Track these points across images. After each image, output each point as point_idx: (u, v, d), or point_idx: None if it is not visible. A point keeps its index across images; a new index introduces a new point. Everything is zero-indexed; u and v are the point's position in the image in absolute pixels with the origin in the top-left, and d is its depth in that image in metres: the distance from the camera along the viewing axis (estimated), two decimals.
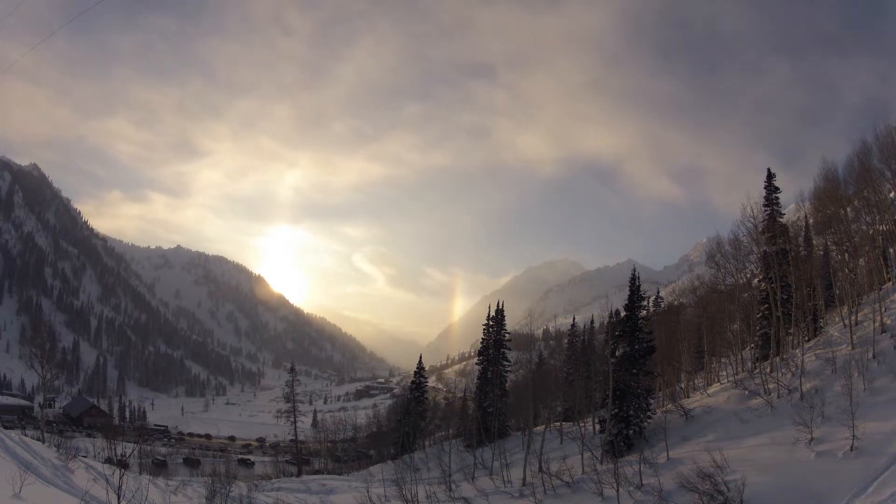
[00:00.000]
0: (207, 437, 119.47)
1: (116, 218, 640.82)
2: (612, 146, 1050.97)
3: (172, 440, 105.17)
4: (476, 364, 58.87)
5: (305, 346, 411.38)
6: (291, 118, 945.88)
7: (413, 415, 60.41)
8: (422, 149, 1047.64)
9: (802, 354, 32.68)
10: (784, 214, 41.24)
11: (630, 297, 36.59)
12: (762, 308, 39.18)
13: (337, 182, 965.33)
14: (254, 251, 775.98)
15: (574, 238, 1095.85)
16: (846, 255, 38.59)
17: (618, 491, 24.03)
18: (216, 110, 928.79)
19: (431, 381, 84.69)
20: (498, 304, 58.39)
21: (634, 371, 34.71)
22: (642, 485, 24.56)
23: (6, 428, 42.71)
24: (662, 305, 63.87)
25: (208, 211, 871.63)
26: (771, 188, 39.77)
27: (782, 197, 40.40)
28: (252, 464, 74.26)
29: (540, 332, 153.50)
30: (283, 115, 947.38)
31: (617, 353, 35.16)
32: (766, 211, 39.60)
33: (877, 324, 31.57)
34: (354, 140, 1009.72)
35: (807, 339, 36.97)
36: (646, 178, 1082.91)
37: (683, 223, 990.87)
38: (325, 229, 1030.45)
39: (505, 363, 54.80)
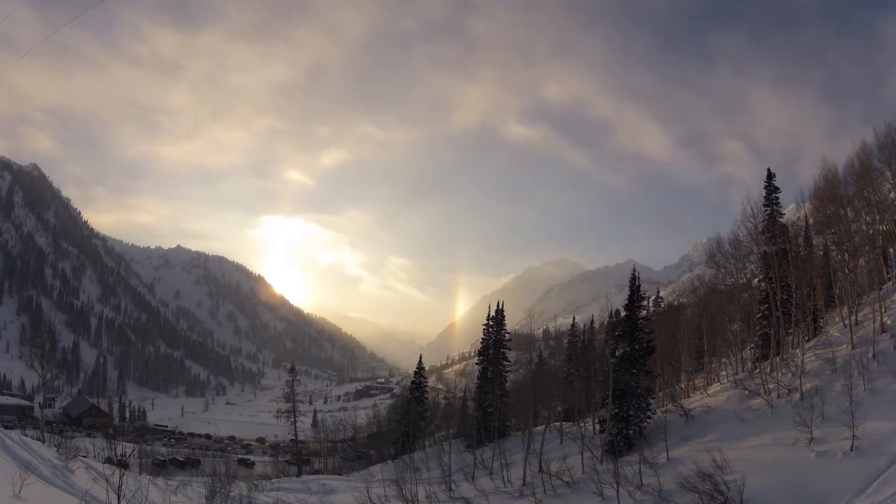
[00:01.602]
0: (207, 437, 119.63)
1: (98, 212, 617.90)
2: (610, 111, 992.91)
3: (172, 440, 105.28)
4: (476, 364, 58.79)
5: (305, 346, 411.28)
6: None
7: (413, 415, 60.33)
8: (411, 128, 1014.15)
9: (802, 354, 32.66)
10: (784, 214, 41.28)
11: (630, 297, 36.61)
12: (762, 308, 39.17)
13: (324, 169, 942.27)
14: (247, 245, 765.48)
15: (574, 237, 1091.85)
16: (846, 255, 38.51)
17: (618, 491, 24.05)
18: (173, 70, 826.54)
19: (431, 381, 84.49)
20: (498, 304, 58.35)
21: (634, 371, 34.75)
22: (642, 485, 24.59)
23: (6, 428, 42.67)
24: (662, 305, 63.93)
25: (191, 202, 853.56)
26: (771, 188, 39.75)
27: (782, 197, 40.48)
28: (252, 464, 74.33)
29: (540, 332, 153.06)
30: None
31: (617, 353, 35.18)
32: (765, 211, 39.58)
33: (877, 324, 31.58)
34: (338, 124, 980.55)
35: (807, 339, 36.94)
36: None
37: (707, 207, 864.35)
38: (322, 226, 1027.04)
39: (505, 363, 54.76)
